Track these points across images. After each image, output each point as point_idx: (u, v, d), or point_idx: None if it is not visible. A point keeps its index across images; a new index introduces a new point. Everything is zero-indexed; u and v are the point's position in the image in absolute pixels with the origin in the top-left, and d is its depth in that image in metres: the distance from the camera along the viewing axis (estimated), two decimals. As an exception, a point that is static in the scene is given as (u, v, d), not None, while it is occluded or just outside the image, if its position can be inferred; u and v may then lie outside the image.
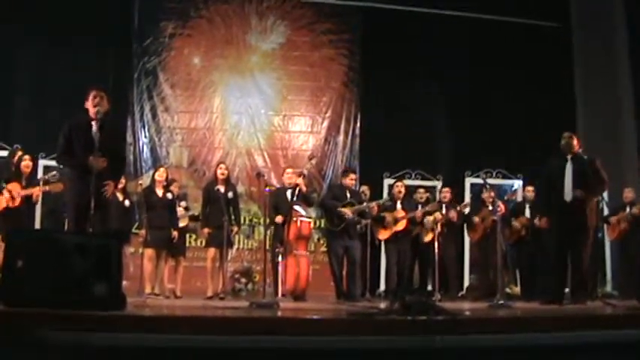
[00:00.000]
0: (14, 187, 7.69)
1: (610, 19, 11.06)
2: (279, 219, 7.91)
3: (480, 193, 9.55)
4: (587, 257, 6.84)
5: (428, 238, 9.00)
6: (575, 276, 6.93)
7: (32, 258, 4.07)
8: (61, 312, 3.68)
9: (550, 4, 11.36)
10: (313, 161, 8.46)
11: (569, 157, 7.02)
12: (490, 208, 8.94)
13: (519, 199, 9.91)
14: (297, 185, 7.90)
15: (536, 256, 8.79)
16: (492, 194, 8.67)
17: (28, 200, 7.80)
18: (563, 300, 6.77)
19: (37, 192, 7.76)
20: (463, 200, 10.04)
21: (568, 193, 6.86)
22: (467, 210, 9.40)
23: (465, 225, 9.53)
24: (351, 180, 8.45)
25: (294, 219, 7.79)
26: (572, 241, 6.87)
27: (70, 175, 5.83)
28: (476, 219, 9.20)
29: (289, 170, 8.37)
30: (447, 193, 9.58)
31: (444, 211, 9.19)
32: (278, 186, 8.72)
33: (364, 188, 9.54)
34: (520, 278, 9.41)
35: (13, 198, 7.62)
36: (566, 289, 7.17)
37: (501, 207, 7.89)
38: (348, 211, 8.04)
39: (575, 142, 7.05)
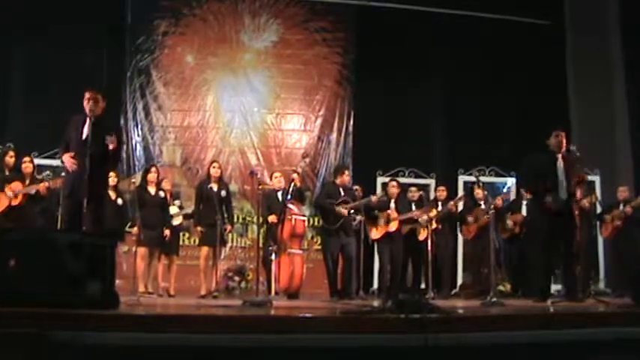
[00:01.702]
0: (16, 186, 7.66)
1: (604, 17, 11.09)
2: (272, 218, 7.91)
3: (472, 191, 9.54)
4: (576, 255, 6.85)
5: (422, 235, 8.99)
6: (567, 274, 6.94)
7: (25, 257, 4.05)
8: (54, 311, 3.67)
9: (544, 2, 11.37)
10: (307, 159, 8.45)
11: (559, 155, 7.01)
12: (483, 206, 8.95)
13: (513, 196, 9.92)
14: (292, 180, 7.85)
15: (528, 254, 8.81)
16: (485, 193, 8.64)
17: (30, 198, 7.77)
18: (549, 298, 6.77)
19: (42, 187, 7.71)
20: (456, 199, 10.03)
21: (563, 191, 6.87)
22: (461, 204, 9.41)
23: (458, 223, 9.55)
24: (346, 177, 8.42)
25: (289, 217, 7.78)
26: (562, 239, 6.87)
27: (65, 172, 5.85)
28: (470, 218, 9.21)
29: (277, 174, 8.47)
30: (442, 192, 9.57)
31: (439, 208, 9.18)
32: (270, 184, 8.70)
33: (357, 187, 9.49)
34: (513, 276, 9.42)
35: (15, 196, 7.60)
36: (559, 287, 7.18)
37: (498, 202, 7.88)
38: (344, 210, 8.03)
39: (565, 140, 7.05)
